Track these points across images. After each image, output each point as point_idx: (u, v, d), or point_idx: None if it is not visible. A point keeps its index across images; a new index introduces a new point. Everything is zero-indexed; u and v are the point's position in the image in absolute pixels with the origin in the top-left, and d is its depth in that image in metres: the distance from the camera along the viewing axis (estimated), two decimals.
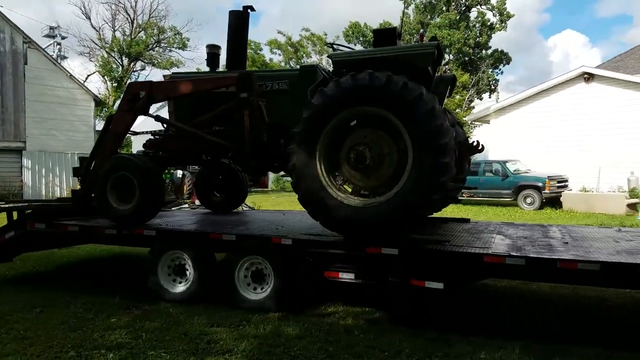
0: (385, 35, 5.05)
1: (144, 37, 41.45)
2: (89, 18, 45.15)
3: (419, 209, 4.48)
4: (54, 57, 26.63)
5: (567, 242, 4.92)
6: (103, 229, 5.93)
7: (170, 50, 43.17)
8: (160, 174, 6.03)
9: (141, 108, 6.23)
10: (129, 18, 41.14)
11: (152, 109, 6.50)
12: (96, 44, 40.96)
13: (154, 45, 42.06)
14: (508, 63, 43.85)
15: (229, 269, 5.20)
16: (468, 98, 39.41)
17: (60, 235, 6.53)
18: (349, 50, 5.23)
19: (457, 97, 37.13)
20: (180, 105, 6.74)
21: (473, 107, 40.15)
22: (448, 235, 5.35)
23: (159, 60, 42.27)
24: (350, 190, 5.08)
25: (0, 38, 21.33)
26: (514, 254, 4.22)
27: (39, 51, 22.84)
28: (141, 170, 5.78)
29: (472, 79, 39.93)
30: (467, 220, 6.68)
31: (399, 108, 4.49)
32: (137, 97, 6.27)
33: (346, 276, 4.74)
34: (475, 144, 6.42)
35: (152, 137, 6.78)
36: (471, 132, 33.16)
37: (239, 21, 6.46)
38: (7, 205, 6.93)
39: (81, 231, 6.12)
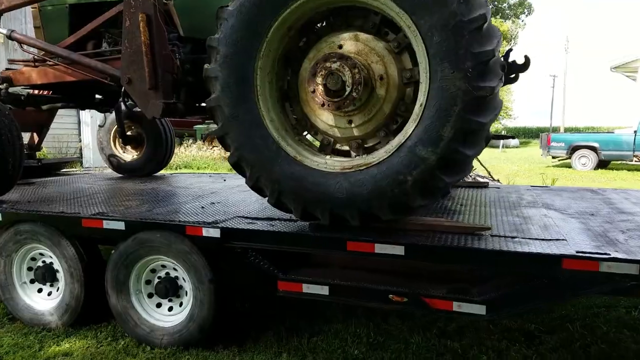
0: None
1: None
2: None
3: (442, 175, 2.49)
4: None
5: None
6: None
7: None
8: (14, 125, 3.77)
9: None
10: None
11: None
12: None
13: None
14: (530, 14, 41.88)
15: (120, 276, 3.14)
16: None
17: None
18: None
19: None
20: (51, 17, 4.34)
21: None
22: (473, 211, 3.42)
23: None
24: (317, 145, 3.03)
25: None
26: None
27: None
28: None
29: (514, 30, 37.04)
30: (484, 185, 4.77)
31: None
32: None
33: (314, 290, 2.76)
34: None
35: (8, 69, 4.43)
36: None
37: None
38: None
39: None
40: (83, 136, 15.41)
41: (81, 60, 3.84)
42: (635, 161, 16.27)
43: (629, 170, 16.34)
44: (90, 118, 14.96)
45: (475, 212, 3.35)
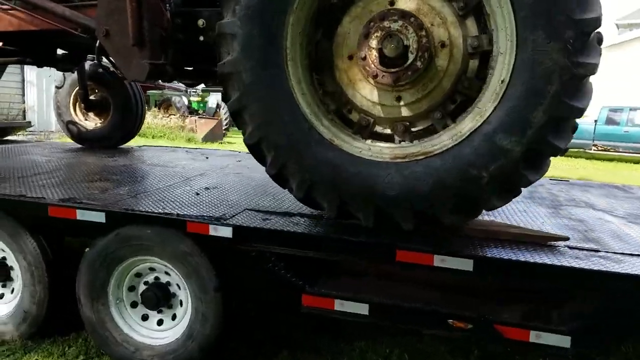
0: None
1: None
2: None
3: (526, 171, 2.01)
4: None
5: None
6: None
7: None
8: None
9: None
10: None
11: None
12: None
13: None
14: None
15: (97, 280, 2.48)
16: None
17: None
18: None
19: None
20: None
21: None
22: (517, 211, 2.97)
23: None
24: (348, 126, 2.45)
25: None
26: None
27: None
28: None
29: None
30: None
31: None
32: None
33: (350, 308, 2.24)
34: None
35: None
36: None
37: None
38: None
39: None
40: (27, 97, 13.77)
41: (45, 5, 3.04)
42: (595, 150, 16.63)
43: (587, 158, 16.63)
44: (35, 76, 13.47)
45: (519, 211, 2.90)
